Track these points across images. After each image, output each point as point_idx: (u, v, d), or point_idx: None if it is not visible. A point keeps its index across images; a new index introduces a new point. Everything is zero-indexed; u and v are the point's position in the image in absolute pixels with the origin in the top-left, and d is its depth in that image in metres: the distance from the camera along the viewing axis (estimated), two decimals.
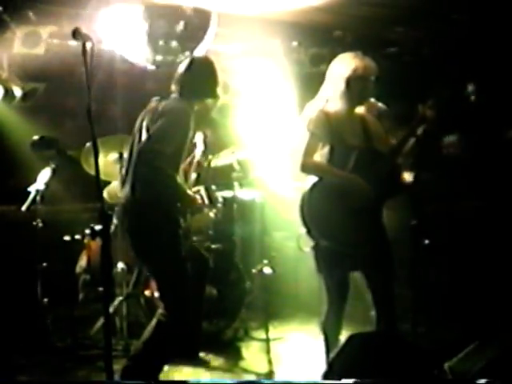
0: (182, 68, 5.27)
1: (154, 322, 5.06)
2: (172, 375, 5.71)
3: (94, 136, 4.16)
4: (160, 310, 5.05)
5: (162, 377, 5.39)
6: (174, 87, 5.22)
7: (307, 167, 4.90)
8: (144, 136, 5.03)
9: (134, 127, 5.24)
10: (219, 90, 5.31)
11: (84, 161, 6.56)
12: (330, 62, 5.12)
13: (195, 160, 5.89)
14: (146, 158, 4.88)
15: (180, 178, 5.11)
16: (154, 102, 5.25)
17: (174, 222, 5.06)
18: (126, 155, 5.38)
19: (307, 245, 5.00)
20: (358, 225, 4.81)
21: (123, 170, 5.27)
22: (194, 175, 5.91)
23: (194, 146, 5.79)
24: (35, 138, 6.46)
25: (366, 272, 4.95)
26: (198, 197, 5.39)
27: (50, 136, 6.66)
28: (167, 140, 4.87)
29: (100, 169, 4.10)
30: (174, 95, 5.18)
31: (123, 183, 5.17)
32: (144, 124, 5.11)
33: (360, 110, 5.05)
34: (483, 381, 3.93)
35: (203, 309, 5.89)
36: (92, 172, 6.11)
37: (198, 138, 5.85)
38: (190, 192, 5.26)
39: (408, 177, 5.07)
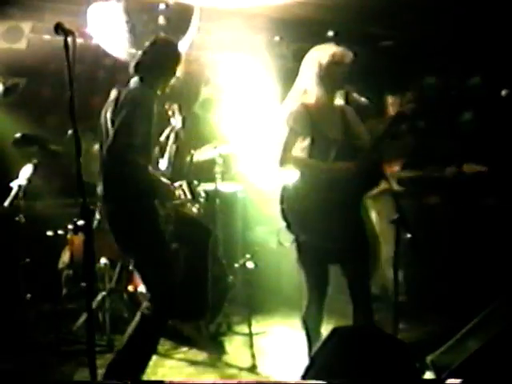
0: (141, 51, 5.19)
1: (137, 315, 5.05)
2: (155, 370, 5.72)
3: (75, 130, 4.16)
4: (144, 304, 5.04)
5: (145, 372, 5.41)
6: (133, 71, 5.10)
7: (286, 162, 4.91)
8: (110, 129, 4.93)
9: (100, 120, 5.15)
10: (179, 69, 5.22)
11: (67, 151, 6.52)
12: None
13: (173, 132, 5.79)
14: (116, 153, 4.79)
15: (152, 166, 5.05)
16: (114, 92, 5.13)
17: (152, 213, 5.01)
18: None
19: (287, 240, 5.03)
20: (337, 219, 4.82)
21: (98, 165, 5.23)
22: (174, 147, 5.79)
23: (169, 119, 5.74)
24: (17, 135, 6.41)
25: (344, 266, 4.98)
26: (175, 185, 5.36)
27: (32, 133, 6.62)
28: (134, 132, 4.75)
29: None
30: (133, 80, 5.06)
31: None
32: (108, 116, 5.02)
33: (339, 102, 5.08)
34: (457, 381, 3.97)
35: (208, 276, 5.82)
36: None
37: (174, 109, 5.79)
38: (164, 179, 5.17)
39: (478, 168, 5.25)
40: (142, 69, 5.08)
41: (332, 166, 4.88)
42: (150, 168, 4.98)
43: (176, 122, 5.84)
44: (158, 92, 5.16)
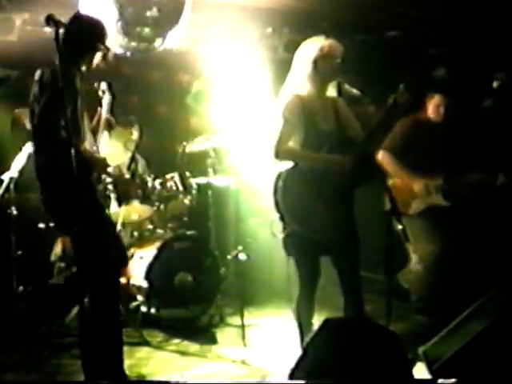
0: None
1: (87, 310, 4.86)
2: (147, 362, 5.73)
3: (66, 122, 4.17)
4: (85, 300, 4.82)
5: (137, 364, 5.42)
6: (56, 48, 4.70)
7: (281, 154, 4.90)
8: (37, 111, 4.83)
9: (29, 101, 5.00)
10: (104, 45, 5.11)
11: None
12: None
13: (102, 118, 5.46)
14: (42, 135, 4.73)
15: (88, 143, 4.98)
16: (38, 73, 4.98)
17: (90, 189, 4.92)
18: None
19: (280, 231, 5.03)
20: (329, 210, 4.82)
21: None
22: (105, 134, 5.46)
23: (99, 102, 5.50)
24: None
25: (335, 257, 4.99)
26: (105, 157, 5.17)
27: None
28: (58, 111, 4.56)
29: None
30: (55, 58, 4.72)
31: None
32: (35, 97, 4.91)
33: (331, 93, 5.08)
34: (452, 380, 3.98)
35: None
36: None
37: (103, 87, 5.53)
38: (97, 155, 5.10)
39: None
40: (65, 46, 4.78)
41: (327, 157, 4.88)
42: (84, 146, 4.89)
43: (105, 100, 5.52)
44: (83, 69, 5.06)
